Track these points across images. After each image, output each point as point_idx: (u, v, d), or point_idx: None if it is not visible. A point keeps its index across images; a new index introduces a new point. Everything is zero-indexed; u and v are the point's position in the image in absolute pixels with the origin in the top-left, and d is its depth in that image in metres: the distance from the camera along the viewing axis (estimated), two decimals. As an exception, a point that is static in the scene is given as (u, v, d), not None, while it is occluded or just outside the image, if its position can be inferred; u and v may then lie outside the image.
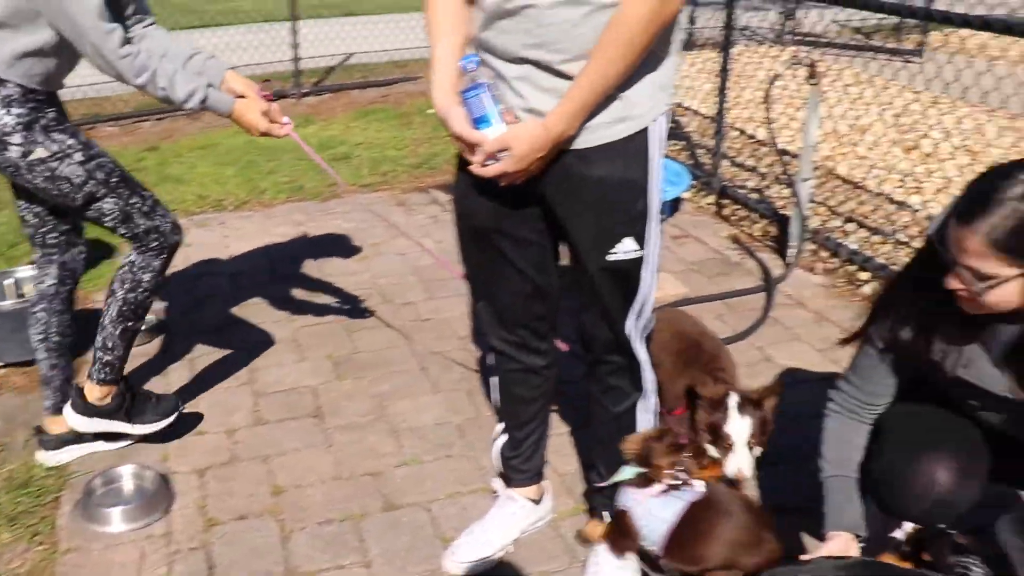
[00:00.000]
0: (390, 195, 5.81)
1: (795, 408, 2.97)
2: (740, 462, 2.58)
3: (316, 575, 2.64)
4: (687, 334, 3.05)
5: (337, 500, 2.94)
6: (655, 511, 2.40)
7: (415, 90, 8.33)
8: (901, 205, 5.44)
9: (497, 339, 2.58)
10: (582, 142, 2.12)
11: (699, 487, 2.41)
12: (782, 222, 5.18)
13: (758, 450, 2.63)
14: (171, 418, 3.12)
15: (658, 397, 2.61)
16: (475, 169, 2.11)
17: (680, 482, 2.41)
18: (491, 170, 2.09)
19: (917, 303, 2.16)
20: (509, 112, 2.09)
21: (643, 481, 2.45)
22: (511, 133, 2.05)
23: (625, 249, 2.24)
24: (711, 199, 5.85)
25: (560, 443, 3.21)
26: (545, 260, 2.42)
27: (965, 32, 3.91)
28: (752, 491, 2.89)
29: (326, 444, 3.22)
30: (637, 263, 2.28)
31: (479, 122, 2.07)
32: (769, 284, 4.55)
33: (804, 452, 2.63)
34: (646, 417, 2.55)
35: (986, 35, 3.76)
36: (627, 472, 2.48)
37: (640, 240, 2.25)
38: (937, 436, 2.29)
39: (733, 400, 2.61)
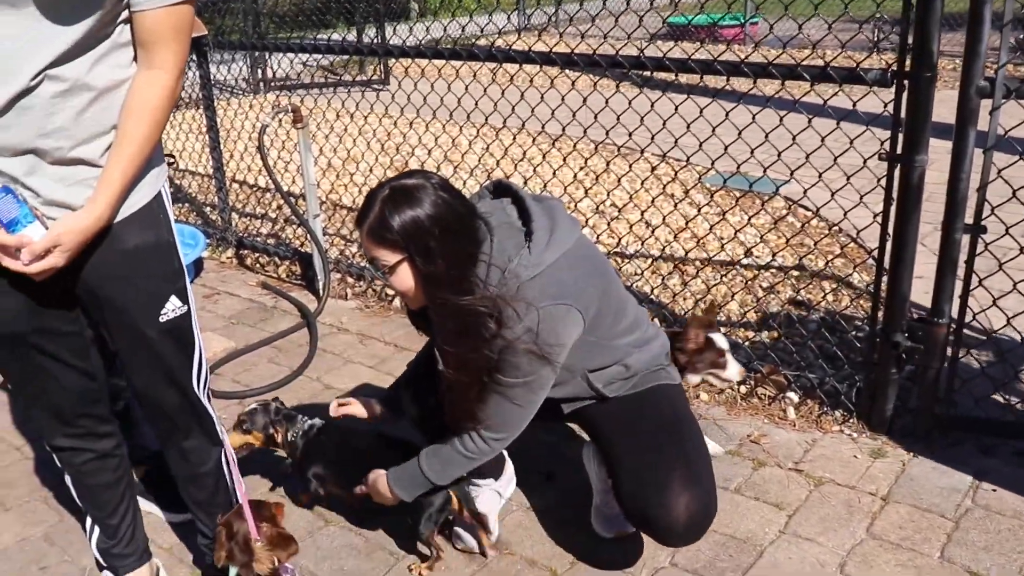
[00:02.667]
0: None
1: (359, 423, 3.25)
2: (735, 366, 3.20)
3: None
4: None
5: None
6: None
7: None
8: (405, 221, 5.93)
9: (60, 437, 2.54)
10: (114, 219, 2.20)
11: None
12: (305, 259, 5.47)
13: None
14: None
15: None
16: (19, 268, 2.07)
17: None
18: (38, 267, 2.08)
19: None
20: (34, 209, 2.09)
21: (244, 573, 2.50)
22: (61, 228, 2.07)
23: (173, 307, 2.36)
24: (230, 253, 5.99)
25: (153, 520, 3.21)
26: (85, 346, 2.44)
27: (422, 60, 4.41)
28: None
29: None
30: (187, 318, 2.41)
31: (10, 225, 2.04)
32: (308, 319, 4.81)
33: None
34: (232, 468, 2.67)
35: (439, 60, 4.28)
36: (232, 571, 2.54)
37: (183, 296, 2.39)
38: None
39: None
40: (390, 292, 5.01)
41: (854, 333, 4.05)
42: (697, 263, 4.88)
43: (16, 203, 2.04)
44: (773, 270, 4.81)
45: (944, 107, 3.16)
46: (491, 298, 2.35)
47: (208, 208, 6.62)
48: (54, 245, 2.06)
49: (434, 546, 2.82)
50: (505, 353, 2.40)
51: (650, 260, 4.84)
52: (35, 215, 2.07)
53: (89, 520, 2.74)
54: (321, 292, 5.08)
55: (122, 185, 2.12)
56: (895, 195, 3.16)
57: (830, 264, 4.45)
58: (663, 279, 4.67)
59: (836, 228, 5.01)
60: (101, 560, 2.78)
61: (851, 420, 3.51)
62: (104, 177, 2.10)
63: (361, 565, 2.95)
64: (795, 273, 4.73)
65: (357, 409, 3.08)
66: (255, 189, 6.89)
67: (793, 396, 3.67)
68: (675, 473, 2.53)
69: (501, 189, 2.62)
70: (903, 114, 3.06)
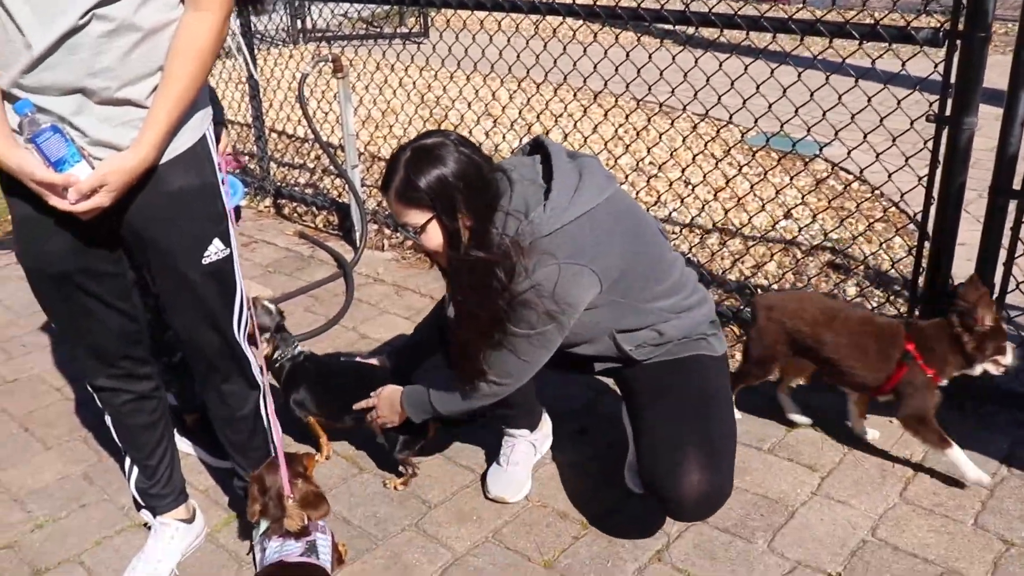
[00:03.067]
0: (-72, 264, 5.37)
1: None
2: (1011, 350, 2.93)
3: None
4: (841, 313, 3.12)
5: (-26, 584, 2.80)
6: (268, 555, 2.51)
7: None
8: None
9: (102, 377, 2.58)
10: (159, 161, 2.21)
11: (293, 547, 2.48)
12: (342, 210, 5.48)
13: None
14: None
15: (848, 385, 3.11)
16: (66, 207, 2.10)
17: (296, 532, 2.49)
18: (84, 206, 2.10)
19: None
20: (81, 149, 2.10)
21: (275, 528, 2.52)
22: (108, 168, 2.08)
23: (216, 250, 2.37)
24: (268, 202, 6.02)
25: (190, 462, 3.27)
26: (127, 288, 2.47)
27: (463, 11, 4.37)
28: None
29: (-59, 533, 3.02)
30: (229, 261, 2.42)
31: (58, 164, 2.06)
32: (345, 269, 4.83)
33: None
34: (270, 415, 2.70)
35: (481, 12, 4.23)
36: (263, 523, 2.57)
37: (225, 239, 2.40)
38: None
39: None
40: (427, 244, 5.02)
41: (893, 298, 4.01)
42: (736, 223, 4.85)
43: (64, 142, 2.05)
44: (813, 232, 4.77)
45: (993, 72, 3.10)
46: (505, 252, 2.37)
47: (246, 157, 6.64)
48: (100, 184, 2.08)
49: (410, 465, 3.07)
50: (515, 305, 2.42)
51: (688, 219, 4.80)
52: (82, 155, 2.08)
53: (128, 460, 2.78)
54: (358, 242, 5.09)
55: (167, 126, 2.13)
56: (941, 158, 3.11)
57: (871, 228, 4.40)
58: (701, 237, 4.64)
59: (878, 192, 4.96)
60: (139, 499, 2.83)
61: (887, 385, 3.48)
62: (149, 118, 2.12)
63: (394, 512, 2.98)
64: (835, 236, 4.69)
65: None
66: (293, 139, 6.90)
67: (829, 359, 3.64)
68: (691, 452, 2.51)
69: (537, 146, 2.62)
70: (953, 76, 3.01)
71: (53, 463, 3.35)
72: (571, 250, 2.39)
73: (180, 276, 2.35)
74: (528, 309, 2.42)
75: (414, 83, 5.79)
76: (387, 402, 2.90)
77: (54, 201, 2.10)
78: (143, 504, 2.84)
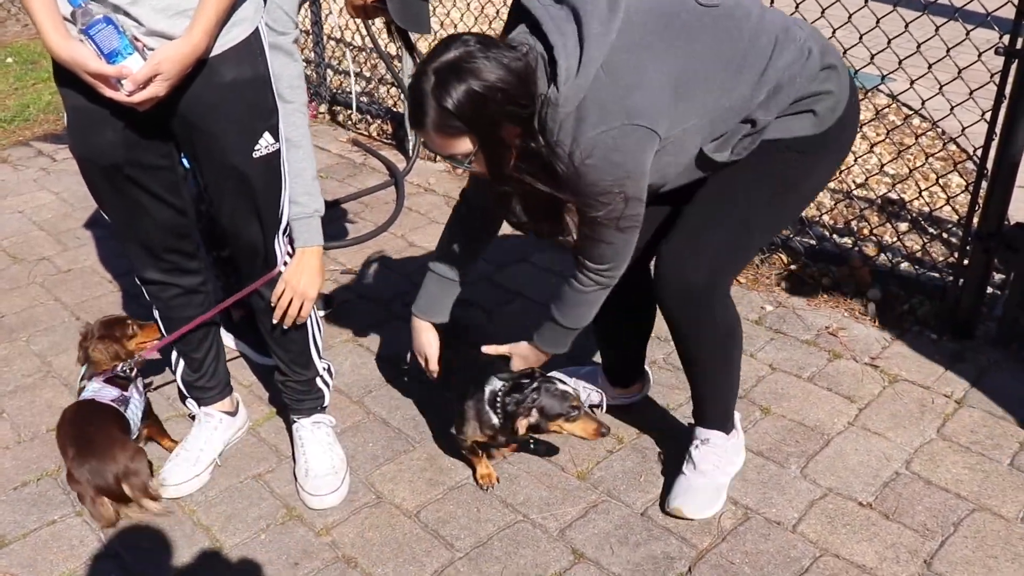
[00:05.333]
0: (-11, 153, 5.47)
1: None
2: None
3: (27, 537, 2.60)
4: None
5: (28, 462, 2.88)
6: (84, 394, 2.70)
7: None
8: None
9: (150, 271, 2.62)
10: (211, 51, 2.22)
11: (108, 393, 2.67)
12: (396, 119, 5.48)
13: None
14: None
15: None
16: (121, 98, 2.11)
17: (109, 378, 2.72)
18: (140, 96, 2.11)
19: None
20: (135, 40, 2.10)
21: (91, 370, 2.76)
22: (161, 56, 2.09)
23: (267, 143, 2.39)
24: (323, 108, 6.02)
25: (235, 358, 3.35)
26: (177, 182, 2.49)
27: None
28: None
29: (-4, 413, 3.13)
30: (277, 156, 2.44)
31: (111, 56, 2.06)
32: (397, 177, 4.84)
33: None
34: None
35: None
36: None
37: (275, 133, 2.41)
38: None
39: None
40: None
41: (945, 236, 3.96)
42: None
43: (117, 34, 2.06)
44: (869, 167, 4.69)
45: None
46: (546, 149, 2.12)
47: (303, 63, 6.63)
48: (154, 74, 2.09)
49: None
50: (579, 201, 2.20)
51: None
52: (135, 47, 2.09)
53: (175, 353, 2.84)
54: (411, 152, 5.10)
55: (216, 12, 2.13)
56: (1007, 93, 3.03)
57: (928, 163, 4.31)
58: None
59: (940, 130, 4.85)
60: (184, 391, 2.90)
61: (933, 321, 3.45)
62: (200, 6, 2.12)
63: (433, 417, 3.04)
64: (890, 170, 4.61)
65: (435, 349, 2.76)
66: (350, 47, 6.87)
67: (876, 292, 3.62)
68: (686, 236, 2.41)
69: (520, 11, 2.24)
70: (1028, 7, 2.92)
71: (103, 352, 3.43)
72: (599, 115, 2.09)
73: (229, 167, 2.37)
74: (590, 197, 2.17)
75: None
76: (520, 355, 2.64)
77: (109, 93, 2.11)
78: (188, 395, 2.91)
